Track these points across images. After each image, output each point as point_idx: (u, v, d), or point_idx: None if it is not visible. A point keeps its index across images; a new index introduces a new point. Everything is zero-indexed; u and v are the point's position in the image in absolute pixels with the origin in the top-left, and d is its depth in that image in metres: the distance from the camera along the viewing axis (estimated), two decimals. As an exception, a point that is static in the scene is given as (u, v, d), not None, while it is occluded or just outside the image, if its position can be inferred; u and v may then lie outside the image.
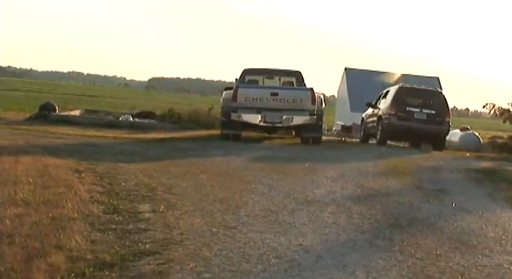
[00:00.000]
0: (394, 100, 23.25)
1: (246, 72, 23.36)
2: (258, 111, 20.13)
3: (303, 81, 23.13)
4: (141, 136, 21.95)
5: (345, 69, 77.17)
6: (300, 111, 20.19)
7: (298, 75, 23.60)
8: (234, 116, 20.17)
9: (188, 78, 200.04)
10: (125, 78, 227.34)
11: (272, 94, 20.32)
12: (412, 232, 7.72)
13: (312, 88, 20.68)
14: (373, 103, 25.86)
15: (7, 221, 6.82)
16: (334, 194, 10.15)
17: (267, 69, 24.27)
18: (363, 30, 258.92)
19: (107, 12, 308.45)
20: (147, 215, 7.68)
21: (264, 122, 20.24)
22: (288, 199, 9.39)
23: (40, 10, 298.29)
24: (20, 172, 10.39)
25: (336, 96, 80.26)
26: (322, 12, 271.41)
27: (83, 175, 10.54)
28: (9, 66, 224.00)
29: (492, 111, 28.48)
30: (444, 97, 23.86)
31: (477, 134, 32.34)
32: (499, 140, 30.83)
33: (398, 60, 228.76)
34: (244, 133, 21.50)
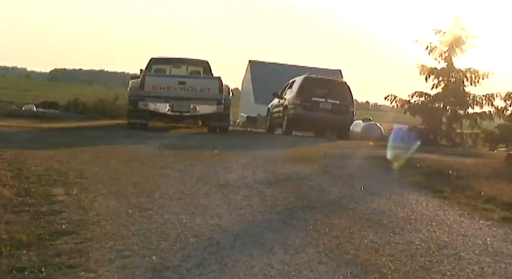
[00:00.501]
0: (300, 90, 23.51)
1: (154, 61, 23.16)
2: (165, 99, 20.02)
3: (211, 71, 23.10)
4: (46, 125, 21.51)
5: (249, 61, 77.49)
6: (208, 100, 20.17)
7: (205, 65, 23.55)
8: (141, 105, 20.00)
9: (91, 70, 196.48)
10: (25, 69, 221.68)
11: (180, 82, 20.23)
12: (325, 213, 7.85)
13: (219, 77, 20.70)
14: (279, 93, 26.06)
15: None
16: (246, 178, 10.20)
17: (175, 58, 24.12)
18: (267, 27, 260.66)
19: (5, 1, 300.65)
20: (60, 197, 7.58)
21: (172, 111, 20.14)
22: (201, 183, 9.41)
23: None
24: None
25: (240, 88, 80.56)
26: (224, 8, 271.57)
27: (-12, 161, 10.30)
28: None
29: (394, 103, 29.17)
30: (348, 88, 24.28)
31: (379, 125, 33.00)
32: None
33: (300, 55, 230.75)
34: (151, 123, 21.37)
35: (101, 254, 5.37)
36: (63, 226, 6.18)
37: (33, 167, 9.76)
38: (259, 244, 6.05)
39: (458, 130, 28.28)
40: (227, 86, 21.02)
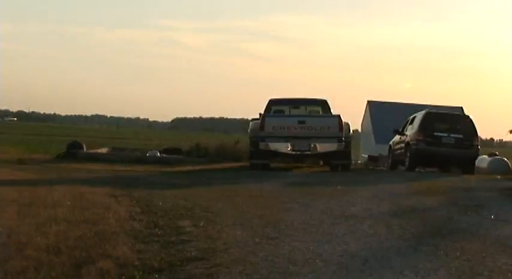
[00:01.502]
0: (421, 125, 23.15)
1: (272, 103, 23.39)
2: (286, 139, 20.15)
3: (330, 110, 23.14)
4: (170, 169, 22.03)
5: (368, 101, 77.15)
6: (328, 138, 20.18)
7: (324, 104, 23.62)
8: (262, 145, 20.19)
9: (211, 117, 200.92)
10: (148, 119, 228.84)
11: (299, 122, 20.36)
12: (454, 239, 7.66)
13: (339, 115, 20.70)
14: (400, 130, 25.75)
15: (52, 236, 6.87)
16: (370, 210, 10.09)
17: (293, 98, 24.33)
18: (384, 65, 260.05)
19: (124, 54, 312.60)
20: (188, 229, 7.72)
21: (293, 150, 20.23)
22: (325, 215, 9.36)
23: (62, 56, 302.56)
24: (57, 197, 10.50)
25: (360, 129, 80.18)
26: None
27: (119, 199, 10.66)
28: (33, 112, 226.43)
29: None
30: (471, 122, 23.72)
31: (505, 159, 32.09)
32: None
33: (421, 94, 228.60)
34: (273, 164, 21.52)
35: (230, 278, 5.41)
36: (193, 253, 6.29)
37: (161, 204, 9.98)
38: (388, 267, 5.95)
39: None
40: (347, 124, 20.97)
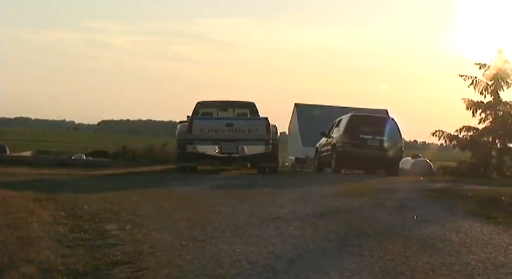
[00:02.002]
0: (347, 128, 23.44)
1: (200, 105, 23.38)
2: (214, 142, 20.15)
3: (257, 112, 23.23)
4: (96, 172, 21.80)
5: (295, 104, 77.70)
6: (256, 141, 20.25)
7: (252, 107, 23.71)
8: (189, 148, 20.14)
9: (138, 120, 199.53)
10: (74, 121, 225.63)
11: (227, 124, 20.39)
12: (379, 239, 7.76)
13: (266, 118, 20.81)
14: (327, 132, 26.01)
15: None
16: (297, 212, 10.16)
17: (221, 101, 24.34)
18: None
19: (50, 56, 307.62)
20: (114, 232, 7.65)
21: (221, 153, 20.23)
22: (253, 217, 9.40)
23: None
24: (-23, 202, 10.25)
25: (287, 132, 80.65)
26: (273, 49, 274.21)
27: (43, 203, 10.49)
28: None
29: (442, 139, 28.99)
30: (396, 124, 24.14)
31: (428, 161, 32.73)
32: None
33: (346, 98, 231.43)
34: (200, 167, 21.49)
35: (157, 282, 5.39)
36: (118, 257, 6.24)
37: (86, 207, 9.87)
38: (314, 269, 6.01)
39: (509, 163, 27.92)
40: (274, 126, 21.09)
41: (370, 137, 23.29)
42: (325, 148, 25.69)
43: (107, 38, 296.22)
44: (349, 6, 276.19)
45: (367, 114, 25.88)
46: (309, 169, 31.51)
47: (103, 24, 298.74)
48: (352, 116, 24.20)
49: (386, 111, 72.35)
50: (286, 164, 51.08)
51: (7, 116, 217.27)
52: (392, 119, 25.13)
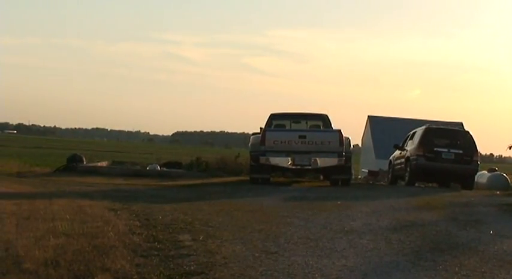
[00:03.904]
0: (422, 141, 23.16)
1: (273, 117, 23.38)
2: (286, 154, 20.13)
3: (330, 124, 23.12)
4: (170, 183, 22.03)
5: (368, 116, 77.25)
6: (329, 153, 20.16)
7: (325, 118, 23.61)
8: (262, 160, 20.17)
9: (212, 131, 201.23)
10: (148, 133, 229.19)
11: (300, 136, 20.35)
12: (453, 254, 7.65)
13: (339, 130, 20.69)
14: (400, 145, 25.75)
15: (50, 249, 6.87)
16: (370, 225, 10.08)
17: (294, 113, 24.27)
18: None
19: (125, 68, 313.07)
20: (187, 243, 7.71)
21: (293, 165, 20.20)
22: (325, 230, 9.36)
23: (62, 69, 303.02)
24: (56, 211, 10.49)
25: (360, 144, 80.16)
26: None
27: (118, 212, 10.63)
28: (33, 125, 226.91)
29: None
30: (471, 137, 23.73)
31: (505, 175, 32.05)
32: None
33: (422, 110, 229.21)
34: (273, 178, 21.50)
35: (230, 292, 5.41)
36: (192, 268, 6.29)
37: (160, 217, 9.98)
38: (388, 283, 5.95)
39: None
40: (347, 138, 20.95)
41: (445, 150, 22.96)
42: (398, 161, 25.42)
43: (180, 50, 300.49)
44: (424, 17, 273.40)
45: (442, 126, 25.46)
46: (382, 182, 31.20)
47: (176, 36, 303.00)
48: (426, 129, 23.90)
49: (462, 123, 71.35)
50: (359, 176, 50.73)
51: (84, 127, 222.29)
52: (468, 132, 24.71)
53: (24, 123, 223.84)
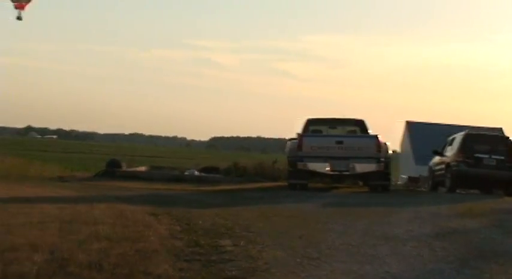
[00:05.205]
0: (462, 146, 22.90)
1: (310, 122, 23.27)
2: (324, 159, 20.04)
3: (367, 130, 22.97)
4: (209, 188, 22.06)
5: (406, 122, 76.63)
6: (367, 159, 20.03)
7: (362, 124, 23.44)
8: (300, 165, 20.10)
9: (248, 137, 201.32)
10: (185, 138, 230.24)
11: (337, 142, 20.25)
12: (499, 262, 7.53)
13: (377, 135, 20.57)
14: (440, 150, 25.49)
15: (93, 253, 6.91)
16: (412, 232, 9.98)
17: (330, 118, 24.12)
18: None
19: (160, 74, 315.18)
20: (228, 248, 7.70)
21: (331, 170, 20.10)
22: (367, 236, 9.28)
23: (99, 75, 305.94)
24: (97, 215, 10.56)
25: (399, 150, 79.55)
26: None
27: (159, 217, 10.68)
28: (72, 130, 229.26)
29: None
30: None
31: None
32: None
33: (461, 115, 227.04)
34: (311, 184, 21.42)
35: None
36: (234, 273, 6.29)
37: (200, 222, 10.00)
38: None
39: None
40: (386, 144, 20.82)
41: (486, 156, 22.66)
42: (438, 167, 25.15)
43: (213, 56, 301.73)
44: (459, 23, 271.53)
45: (481, 132, 25.18)
46: (422, 188, 30.93)
47: (209, 42, 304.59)
48: (466, 134, 23.63)
49: (501, 129, 70.52)
50: (399, 182, 50.37)
51: (122, 132, 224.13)
52: (508, 137, 24.40)
53: (64, 128, 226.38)
